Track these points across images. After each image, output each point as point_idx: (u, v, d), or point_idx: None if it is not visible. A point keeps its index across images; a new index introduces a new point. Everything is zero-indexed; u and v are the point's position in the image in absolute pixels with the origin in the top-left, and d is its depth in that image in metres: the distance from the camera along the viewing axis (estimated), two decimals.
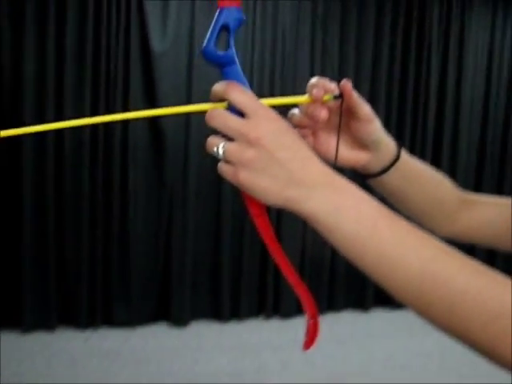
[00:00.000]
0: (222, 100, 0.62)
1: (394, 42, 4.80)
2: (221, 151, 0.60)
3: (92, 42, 3.87)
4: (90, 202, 3.97)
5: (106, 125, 3.96)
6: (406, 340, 4.35)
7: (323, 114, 0.70)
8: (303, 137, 0.76)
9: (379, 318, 4.82)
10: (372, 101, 4.60)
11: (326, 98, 0.71)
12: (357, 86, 0.72)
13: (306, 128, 0.76)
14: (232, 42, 0.62)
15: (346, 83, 0.73)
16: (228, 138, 0.60)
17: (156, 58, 4.04)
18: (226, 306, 4.39)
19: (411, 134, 4.94)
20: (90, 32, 3.85)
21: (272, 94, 4.33)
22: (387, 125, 4.60)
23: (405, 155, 0.83)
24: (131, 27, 3.96)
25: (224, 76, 0.62)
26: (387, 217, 0.59)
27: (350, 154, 0.79)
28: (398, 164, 0.81)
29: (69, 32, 3.82)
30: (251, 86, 0.62)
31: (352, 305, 4.89)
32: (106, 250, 4.06)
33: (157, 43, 4.04)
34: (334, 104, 0.74)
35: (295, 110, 0.75)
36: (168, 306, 4.26)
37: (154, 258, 4.24)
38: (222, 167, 0.61)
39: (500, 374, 0.58)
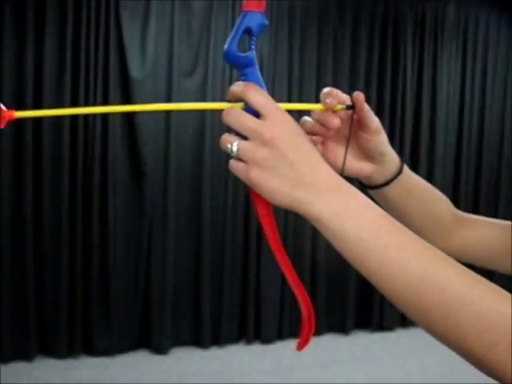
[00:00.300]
0: (238, 100, 0.63)
1: (370, 72, 4.90)
2: (235, 148, 0.61)
3: (71, 68, 3.87)
4: (70, 231, 3.93)
5: (86, 152, 3.95)
6: (388, 362, 4.35)
7: (336, 122, 0.73)
8: (313, 143, 0.76)
9: (360, 340, 4.82)
10: None
11: (339, 107, 0.74)
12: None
13: (317, 135, 0.78)
14: (253, 45, 0.64)
15: (359, 94, 0.75)
16: (242, 137, 0.61)
17: (135, 84, 4.06)
18: (206, 332, 4.36)
19: None
20: (69, 58, 3.86)
21: None
22: None
23: (407, 170, 0.86)
24: (110, 54, 3.97)
25: (243, 77, 0.64)
26: (391, 224, 0.60)
27: (356, 164, 0.82)
28: (400, 177, 0.84)
29: (47, 58, 3.82)
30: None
31: (333, 328, 4.89)
32: (86, 278, 4.01)
33: (135, 70, 4.06)
34: (345, 114, 0.77)
35: (307, 117, 0.77)
36: (149, 333, 4.22)
37: (134, 285, 4.20)
38: (235, 165, 0.62)
39: None
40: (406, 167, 0.85)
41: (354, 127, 0.79)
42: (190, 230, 4.35)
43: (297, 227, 4.62)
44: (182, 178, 4.28)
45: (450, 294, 0.55)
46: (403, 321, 5.16)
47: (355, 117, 0.77)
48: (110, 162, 4.01)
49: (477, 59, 5.37)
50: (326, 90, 0.75)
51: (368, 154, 0.82)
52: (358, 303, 4.96)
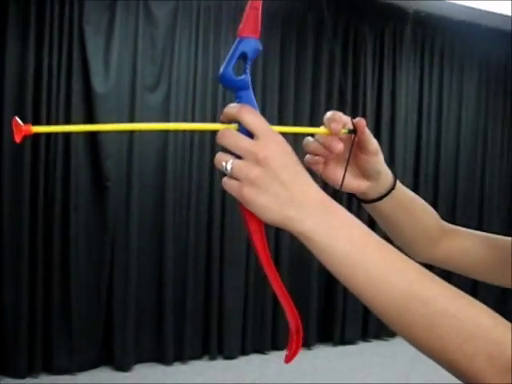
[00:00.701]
0: (231, 121, 0.66)
1: (331, 87, 4.99)
2: (229, 167, 0.63)
3: (33, 83, 3.83)
4: (30, 247, 3.86)
5: (47, 167, 3.90)
6: (349, 375, 4.40)
7: (339, 147, 0.79)
8: (315, 163, 0.85)
9: (323, 354, 4.86)
10: None
11: (342, 131, 0.80)
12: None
13: (319, 156, 0.84)
14: (248, 70, 0.66)
15: (361, 120, 0.82)
16: (236, 156, 0.64)
17: (98, 98, 4.03)
18: (169, 348, 4.33)
19: None
20: (31, 72, 3.81)
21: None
22: None
23: (399, 185, 0.92)
24: (73, 68, 3.94)
25: (238, 99, 0.67)
26: (377, 241, 0.63)
27: (353, 182, 0.88)
28: (393, 192, 0.90)
29: (8, 72, 3.78)
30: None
31: None
32: (47, 295, 3.94)
33: (99, 84, 4.03)
34: (346, 136, 0.82)
35: (310, 138, 0.84)
36: (111, 350, 4.17)
37: (95, 302, 4.15)
38: (228, 182, 0.64)
39: None
40: (398, 182, 0.91)
41: (354, 149, 0.84)
42: (152, 245, 4.33)
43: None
44: (144, 193, 4.26)
45: (433, 308, 0.59)
46: (364, 335, 5.24)
47: (356, 140, 0.82)
48: (72, 176, 3.97)
49: (433, 74, 5.56)
50: (329, 114, 0.80)
51: (365, 173, 0.88)
52: (319, 318, 5.00)
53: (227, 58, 0.66)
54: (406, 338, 0.61)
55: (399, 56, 5.32)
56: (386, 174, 0.89)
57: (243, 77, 0.66)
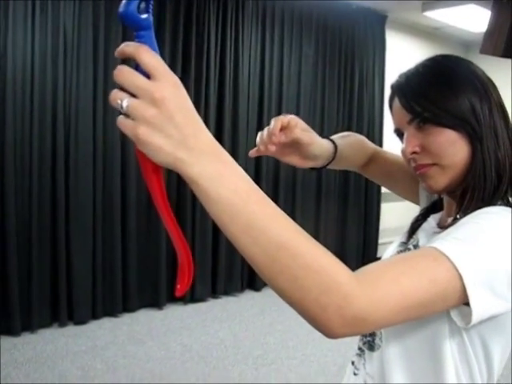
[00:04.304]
0: (128, 59, 0.64)
1: (175, 59, 4.99)
2: (125, 105, 0.62)
3: None
4: None
5: None
6: (201, 331, 4.56)
7: (272, 149, 1.11)
8: (273, 152, 1.13)
9: (174, 313, 4.97)
10: None
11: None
12: None
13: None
14: (151, 9, 0.64)
15: (291, 119, 1.12)
16: (132, 95, 0.62)
17: None
18: (16, 318, 4.20)
19: None
20: None
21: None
22: None
23: (340, 150, 1.23)
24: None
25: (138, 38, 0.64)
26: (260, 196, 0.68)
27: (301, 162, 1.20)
28: (336, 158, 1.23)
29: None
30: None
31: (146, 304, 4.98)
32: None
33: None
34: (285, 138, 1.12)
35: (264, 131, 1.13)
36: None
37: None
38: (123, 122, 0.63)
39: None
40: (339, 147, 1.22)
41: (294, 142, 1.14)
42: None
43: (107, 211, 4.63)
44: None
45: (300, 262, 0.67)
46: (214, 292, 5.42)
47: (291, 136, 1.13)
48: None
49: (274, 36, 5.78)
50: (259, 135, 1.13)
51: (307, 156, 1.18)
52: (168, 279, 5.07)
53: None
54: (271, 286, 0.69)
55: (242, 18, 5.46)
56: (325, 150, 1.20)
57: (147, 16, 0.63)
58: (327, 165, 1.23)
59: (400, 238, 1.14)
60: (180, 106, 0.63)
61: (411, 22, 7.12)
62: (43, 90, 4.24)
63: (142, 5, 0.63)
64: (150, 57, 0.63)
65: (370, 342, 1.07)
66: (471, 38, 7.18)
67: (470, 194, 0.96)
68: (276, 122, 1.11)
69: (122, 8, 0.62)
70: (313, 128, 1.18)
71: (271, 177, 5.90)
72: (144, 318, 4.81)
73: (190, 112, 0.65)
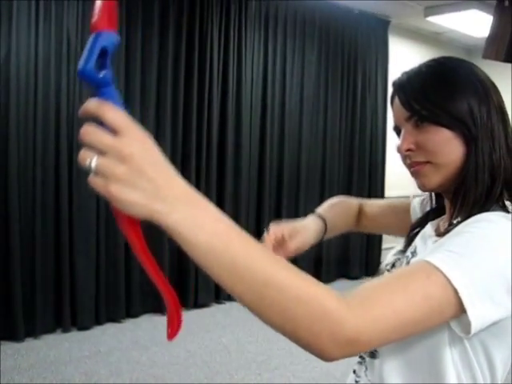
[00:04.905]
0: (91, 118, 0.64)
1: (178, 60, 5.01)
2: (93, 164, 0.62)
3: None
4: None
5: None
6: (204, 337, 4.55)
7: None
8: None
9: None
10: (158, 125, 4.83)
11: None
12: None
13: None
14: (109, 64, 0.63)
15: (276, 236, 1.18)
16: (99, 153, 0.63)
17: None
18: (20, 324, 4.20)
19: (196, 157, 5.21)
20: None
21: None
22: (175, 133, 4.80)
23: (329, 224, 1.30)
24: None
25: (100, 96, 0.64)
26: (240, 235, 0.68)
27: (299, 250, 1.22)
28: (327, 230, 1.30)
29: None
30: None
31: (150, 310, 4.97)
32: None
33: None
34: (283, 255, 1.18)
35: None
36: None
37: None
38: (93, 181, 0.63)
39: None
40: (327, 222, 1.29)
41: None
42: None
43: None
44: None
45: (287, 295, 0.68)
46: (217, 297, 5.42)
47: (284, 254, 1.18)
48: None
49: (277, 41, 5.80)
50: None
51: (302, 249, 1.23)
52: (172, 284, 5.04)
53: (85, 53, 0.62)
54: (263, 320, 0.71)
55: (244, 23, 5.48)
56: (319, 233, 1.27)
57: (105, 72, 0.63)
58: (321, 240, 1.31)
59: (401, 244, 1.15)
60: (149, 159, 0.63)
61: (414, 27, 7.14)
62: (47, 93, 4.25)
63: (100, 61, 0.63)
64: (113, 113, 0.63)
65: (371, 349, 1.07)
66: (473, 43, 7.19)
67: (462, 195, 0.96)
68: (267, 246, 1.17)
69: (79, 67, 0.62)
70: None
71: (274, 175, 5.89)
72: (147, 323, 4.81)
73: (159, 163, 0.65)
